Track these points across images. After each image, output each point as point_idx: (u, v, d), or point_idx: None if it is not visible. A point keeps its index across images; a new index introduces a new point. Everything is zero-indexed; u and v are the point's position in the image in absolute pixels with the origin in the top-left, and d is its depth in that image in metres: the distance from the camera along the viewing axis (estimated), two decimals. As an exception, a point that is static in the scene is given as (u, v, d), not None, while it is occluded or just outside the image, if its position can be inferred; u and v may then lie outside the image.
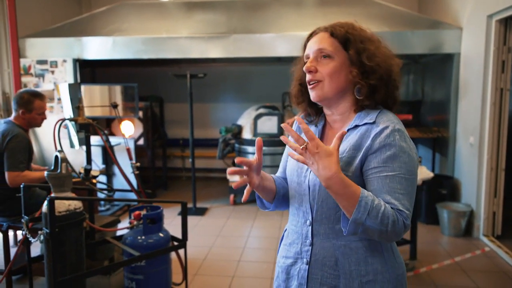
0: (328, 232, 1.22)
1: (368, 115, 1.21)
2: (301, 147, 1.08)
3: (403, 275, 1.27)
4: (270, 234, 4.39)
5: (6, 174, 2.87)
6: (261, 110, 5.48)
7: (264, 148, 5.33)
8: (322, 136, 1.32)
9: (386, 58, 1.21)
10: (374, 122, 1.19)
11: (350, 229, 1.11)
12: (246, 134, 5.44)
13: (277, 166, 5.26)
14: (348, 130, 1.23)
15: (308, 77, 1.23)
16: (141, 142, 5.63)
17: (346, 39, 1.20)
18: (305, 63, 1.25)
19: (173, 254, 2.99)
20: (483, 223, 4.18)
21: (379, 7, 5.27)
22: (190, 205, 5.16)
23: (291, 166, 1.34)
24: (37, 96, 3.10)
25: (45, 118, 3.20)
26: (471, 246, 4.02)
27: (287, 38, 4.87)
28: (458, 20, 4.72)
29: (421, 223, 4.59)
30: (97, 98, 5.15)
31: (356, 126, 1.21)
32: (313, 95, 1.24)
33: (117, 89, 5.05)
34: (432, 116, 5.45)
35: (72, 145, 2.77)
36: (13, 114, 3.11)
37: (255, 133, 5.35)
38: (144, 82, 6.30)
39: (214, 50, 4.98)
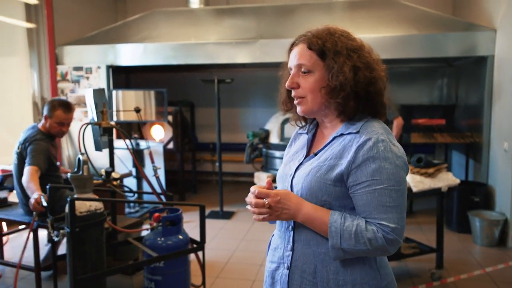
0: (309, 239, 1.22)
1: (353, 125, 1.21)
2: (265, 207, 1.17)
3: (387, 286, 1.24)
4: (295, 239, 4.37)
5: (27, 168, 2.91)
6: (289, 115, 5.47)
7: (290, 152, 5.32)
8: (312, 142, 1.33)
9: (358, 70, 1.17)
10: (357, 132, 1.18)
11: (333, 255, 1.16)
12: (274, 139, 5.45)
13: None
14: (334, 138, 1.23)
15: (292, 92, 1.26)
16: (171, 146, 5.76)
17: (322, 51, 1.19)
18: (288, 70, 1.27)
19: (194, 256, 3.04)
20: (518, 233, 3.99)
21: (409, 9, 5.15)
22: (217, 209, 5.23)
23: (279, 173, 1.37)
24: (63, 106, 3.09)
25: (65, 131, 3.16)
26: (504, 257, 3.84)
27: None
28: (492, 22, 4.54)
29: (452, 232, 4.43)
30: (131, 103, 5.34)
31: (342, 135, 1.22)
32: (298, 110, 1.26)
33: (148, 94, 5.22)
34: (466, 120, 5.26)
35: (97, 148, 2.88)
36: (42, 120, 3.18)
37: (282, 138, 5.35)
38: (175, 87, 6.46)
39: (241, 56, 5.03)
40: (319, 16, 5.36)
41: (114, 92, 5.07)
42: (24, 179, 2.86)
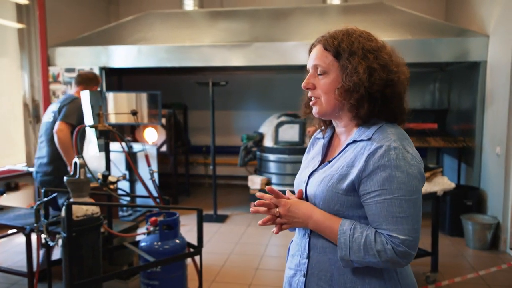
0: (325, 246, 1.20)
1: (366, 131, 1.18)
2: (276, 215, 1.19)
3: None
4: (289, 242, 4.36)
5: (58, 122, 3.36)
6: (283, 118, 5.48)
7: (285, 156, 5.34)
8: (328, 148, 1.32)
9: (373, 71, 1.14)
10: (369, 139, 1.15)
11: (343, 265, 1.15)
12: (268, 142, 5.45)
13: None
14: (348, 145, 1.21)
15: (308, 93, 1.25)
16: (164, 148, 5.72)
17: (338, 52, 1.18)
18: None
19: (190, 260, 3.02)
20: (510, 236, 4.03)
21: (403, 14, 5.20)
22: (211, 212, 5.20)
23: (296, 179, 1.36)
24: (96, 76, 3.76)
25: None
26: (496, 260, 3.88)
27: (309, 46, 4.86)
28: (485, 27, 4.60)
29: (445, 235, 4.47)
30: (124, 106, 5.28)
31: (355, 142, 1.19)
32: (313, 111, 1.26)
33: (142, 96, 5.17)
34: (458, 125, 5.32)
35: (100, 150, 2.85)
36: (73, 90, 3.70)
37: (276, 141, 5.35)
38: (168, 90, 6.42)
39: (236, 58, 5.03)
40: (314, 20, 5.38)
41: (107, 94, 5.00)
42: (59, 139, 3.29)
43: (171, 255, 2.67)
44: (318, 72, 1.21)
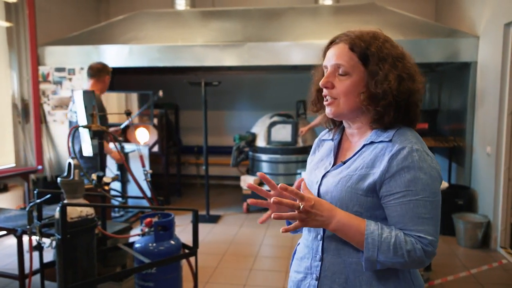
0: (339, 248, 1.17)
1: (385, 133, 1.16)
2: (297, 211, 1.07)
3: None
4: (283, 243, 4.37)
5: None
6: (275, 118, 5.48)
7: (277, 156, 5.34)
8: (337, 149, 1.29)
9: (402, 80, 1.13)
10: (390, 141, 1.14)
11: (366, 266, 1.11)
12: (260, 142, 5.45)
13: (291, 174, 5.24)
14: (364, 146, 1.18)
15: (324, 91, 1.21)
16: (155, 149, 5.68)
17: (365, 55, 1.14)
18: (323, 72, 1.22)
19: (184, 261, 3.00)
20: (500, 234, 4.08)
21: (394, 15, 5.23)
22: (203, 213, 5.18)
23: (306, 179, 1.31)
24: (105, 65, 3.90)
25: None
26: (488, 258, 3.93)
27: (302, 46, 4.88)
28: (475, 28, 4.66)
29: (436, 234, 4.50)
30: (114, 105, 5.24)
31: (372, 143, 1.17)
32: (327, 111, 1.21)
33: (133, 96, 5.14)
34: (449, 125, 5.37)
35: (85, 153, 2.81)
36: (89, 83, 3.83)
37: (269, 141, 5.35)
38: (159, 90, 6.37)
39: (228, 58, 5.01)
40: (305, 20, 5.39)
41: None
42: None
43: (167, 256, 2.64)
44: (340, 72, 1.17)
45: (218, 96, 6.57)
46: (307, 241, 1.27)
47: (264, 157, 5.43)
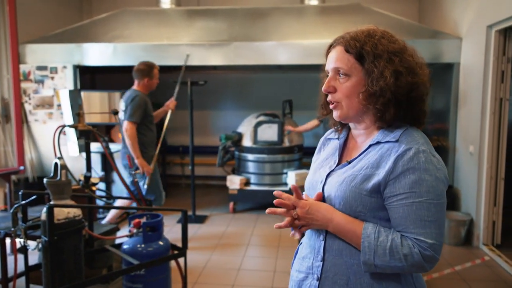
0: (342, 249, 1.17)
1: (392, 133, 1.15)
2: (293, 216, 1.14)
3: None
4: (270, 243, 4.37)
5: (125, 122, 3.78)
6: (261, 118, 5.48)
7: (264, 156, 5.34)
8: (343, 149, 1.29)
9: (400, 75, 1.11)
10: (397, 141, 1.13)
11: (365, 269, 1.11)
12: (246, 142, 5.44)
13: (278, 174, 5.23)
14: (370, 146, 1.18)
15: (328, 96, 1.21)
16: (140, 148, 5.61)
17: (361, 54, 1.14)
18: (327, 76, 1.22)
19: (172, 262, 2.97)
20: (482, 232, 4.17)
21: (379, 16, 5.29)
22: (189, 213, 5.14)
23: (308, 180, 1.32)
24: (154, 64, 4.01)
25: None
26: (471, 255, 4.01)
27: (288, 46, 4.89)
28: (458, 30, 4.74)
29: (421, 232, 4.57)
30: (97, 105, 5.16)
31: (378, 143, 1.16)
32: (334, 115, 1.22)
33: (117, 96, 5.06)
34: (432, 125, 5.46)
35: (71, 153, 2.76)
36: (136, 83, 3.97)
37: (255, 141, 5.35)
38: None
39: (214, 58, 4.99)
40: (291, 20, 5.41)
41: (82, 93, 4.87)
42: (127, 137, 3.73)
43: (155, 257, 2.61)
44: (340, 75, 1.17)
45: (204, 95, 6.54)
46: (309, 240, 1.27)
47: (250, 156, 5.42)
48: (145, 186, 3.87)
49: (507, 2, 3.62)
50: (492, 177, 4.10)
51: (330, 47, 1.22)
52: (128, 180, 3.66)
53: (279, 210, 1.17)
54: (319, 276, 1.20)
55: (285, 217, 1.20)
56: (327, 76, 1.21)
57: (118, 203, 3.94)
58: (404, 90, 1.12)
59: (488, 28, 3.99)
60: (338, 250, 1.17)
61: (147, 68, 3.94)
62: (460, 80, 4.63)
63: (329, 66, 1.20)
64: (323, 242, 1.20)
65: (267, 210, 1.18)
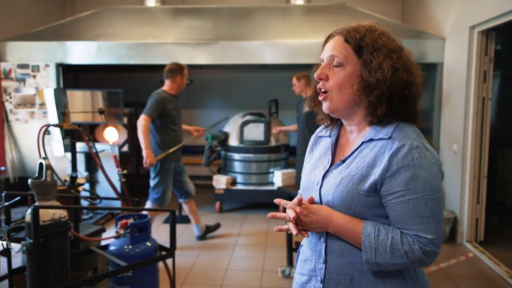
0: (343, 249, 1.16)
1: (384, 129, 1.14)
2: (292, 222, 1.14)
3: None
4: (257, 242, 4.36)
5: (141, 116, 3.92)
6: (248, 117, 5.47)
7: (250, 155, 5.32)
8: (335, 147, 1.28)
9: (396, 71, 1.12)
10: (389, 138, 1.12)
11: (367, 268, 1.12)
12: (233, 141, 5.42)
13: (264, 173, 5.23)
14: (363, 143, 1.17)
15: (319, 84, 1.20)
16: (125, 148, 5.55)
17: (359, 46, 1.14)
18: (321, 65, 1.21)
19: (160, 263, 2.94)
20: (466, 229, 4.24)
21: (364, 16, 5.33)
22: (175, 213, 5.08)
23: (303, 181, 1.31)
24: (182, 65, 4.10)
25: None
26: (455, 252, 4.07)
27: (274, 45, 4.89)
28: (441, 30, 4.81)
29: (406, 230, 4.62)
30: (80, 104, 5.06)
31: (371, 140, 1.16)
32: (324, 107, 1.21)
33: (101, 94, 4.98)
34: (417, 124, 5.52)
35: (55, 152, 2.70)
36: (167, 83, 4.07)
37: (241, 140, 5.33)
38: (129, 88, 6.22)
39: (201, 57, 4.95)
40: (277, 20, 5.41)
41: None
42: (138, 127, 3.87)
43: (143, 258, 2.58)
44: (334, 64, 1.17)
45: (190, 95, 6.49)
46: (310, 243, 1.26)
47: (236, 156, 5.40)
48: (152, 182, 4.06)
49: (489, 3, 3.69)
50: (475, 175, 4.17)
51: (329, 37, 1.22)
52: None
53: (279, 214, 1.17)
54: (322, 278, 1.19)
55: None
56: (321, 65, 1.21)
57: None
58: (399, 86, 1.12)
59: (471, 28, 4.06)
60: (340, 250, 1.17)
61: (179, 68, 4.06)
62: (444, 80, 4.70)
63: (325, 54, 1.20)
64: (324, 244, 1.20)
65: (268, 215, 1.18)
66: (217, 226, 4.55)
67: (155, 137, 4.04)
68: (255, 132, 5.28)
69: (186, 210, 4.39)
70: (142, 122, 3.89)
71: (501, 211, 4.98)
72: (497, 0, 3.56)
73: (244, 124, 5.31)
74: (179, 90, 4.14)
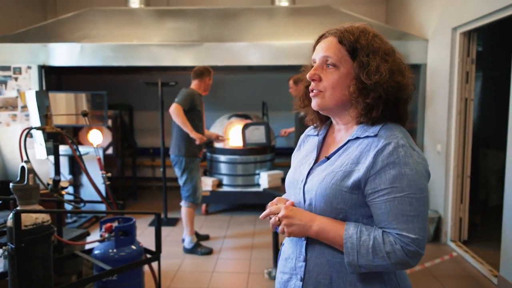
0: (323, 248, 1.16)
1: (370, 128, 1.15)
2: (278, 221, 1.17)
3: None
4: (243, 244, 4.35)
5: (173, 104, 3.98)
6: (233, 119, 5.46)
7: (235, 157, 5.31)
8: (322, 145, 1.28)
9: (393, 73, 1.13)
10: (376, 136, 1.12)
11: (350, 270, 1.11)
12: (219, 143, 5.40)
13: (250, 175, 5.23)
14: (349, 141, 1.18)
15: (311, 84, 1.19)
16: (110, 151, 5.49)
17: (354, 48, 1.14)
18: (312, 67, 1.21)
19: (146, 267, 2.91)
20: (450, 229, 4.29)
21: (348, 17, 5.36)
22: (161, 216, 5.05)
23: (288, 178, 1.31)
24: (208, 68, 4.26)
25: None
26: (439, 252, 4.12)
27: (259, 47, 4.89)
28: (424, 32, 4.87)
29: (391, 230, 4.67)
30: (63, 106, 4.99)
31: (358, 138, 1.16)
32: (313, 103, 1.20)
33: (85, 97, 4.92)
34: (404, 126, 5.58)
35: (38, 155, 2.65)
36: (194, 83, 4.20)
37: (244, 143, 5.29)
38: (113, 90, 6.16)
39: (185, 58, 4.93)
40: (262, 21, 5.42)
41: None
42: (175, 116, 3.94)
43: (128, 262, 2.55)
44: (328, 64, 1.16)
45: (173, 96, 6.43)
46: (291, 241, 1.26)
47: (222, 158, 5.39)
48: (180, 181, 4.13)
49: (471, 5, 3.75)
50: (458, 175, 4.23)
51: (321, 37, 1.22)
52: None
53: (265, 213, 1.23)
54: (302, 276, 1.19)
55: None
56: (312, 66, 1.21)
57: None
58: (395, 89, 1.13)
59: (453, 30, 4.12)
60: (320, 249, 1.17)
61: (207, 71, 4.22)
62: (427, 81, 4.76)
63: (318, 55, 1.19)
64: (305, 242, 1.20)
65: (261, 216, 1.23)
66: (207, 237, 4.51)
67: (181, 130, 4.05)
68: (257, 134, 5.28)
69: (182, 216, 4.21)
70: (176, 110, 3.95)
71: (483, 210, 5.05)
72: (479, 2, 3.62)
73: (245, 127, 5.29)
74: (206, 90, 4.27)
